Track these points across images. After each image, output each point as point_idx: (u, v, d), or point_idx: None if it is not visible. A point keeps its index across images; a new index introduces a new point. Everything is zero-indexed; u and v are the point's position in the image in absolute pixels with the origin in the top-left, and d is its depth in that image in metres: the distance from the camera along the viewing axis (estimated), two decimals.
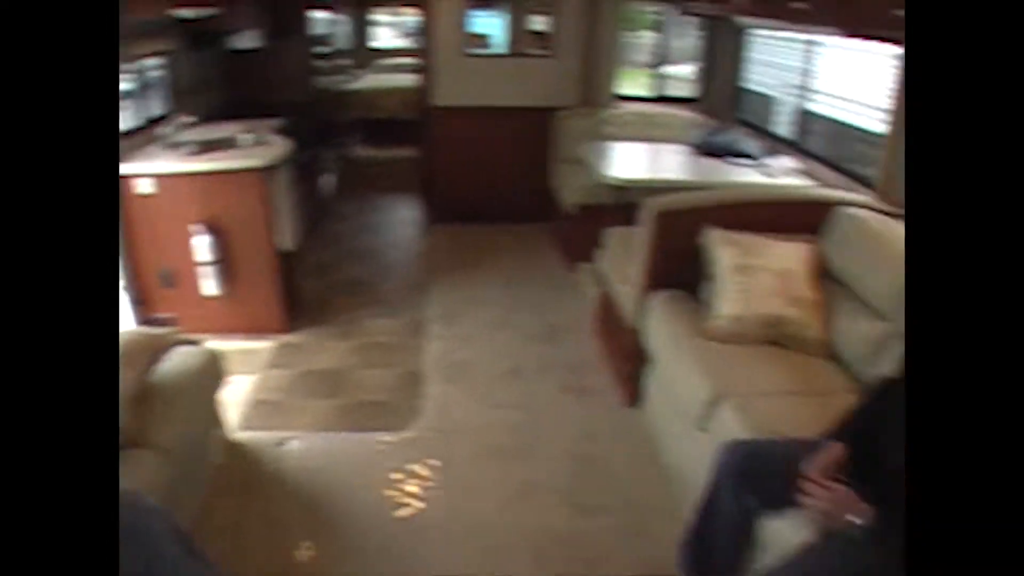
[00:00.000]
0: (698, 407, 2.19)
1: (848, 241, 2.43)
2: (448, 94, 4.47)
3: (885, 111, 2.74)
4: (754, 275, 2.40)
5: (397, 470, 2.45)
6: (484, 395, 2.91)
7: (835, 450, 1.65)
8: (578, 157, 3.60)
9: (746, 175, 3.35)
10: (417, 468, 2.47)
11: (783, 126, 3.77)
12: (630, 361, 2.83)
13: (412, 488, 2.38)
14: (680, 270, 2.59)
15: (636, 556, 2.16)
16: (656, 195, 2.68)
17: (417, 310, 3.63)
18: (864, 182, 2.99)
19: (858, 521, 1.50)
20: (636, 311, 2.71)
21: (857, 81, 3.25)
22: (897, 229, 2.34)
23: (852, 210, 2.53)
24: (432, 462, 2.49)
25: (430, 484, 2.39)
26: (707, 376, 2.21)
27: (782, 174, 3.35)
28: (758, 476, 1.76)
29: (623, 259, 2.93)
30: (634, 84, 4.09)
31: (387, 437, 2.63)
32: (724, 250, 2.44)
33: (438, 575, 2.06)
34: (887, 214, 2.51)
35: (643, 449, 2.64)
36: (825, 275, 2.45)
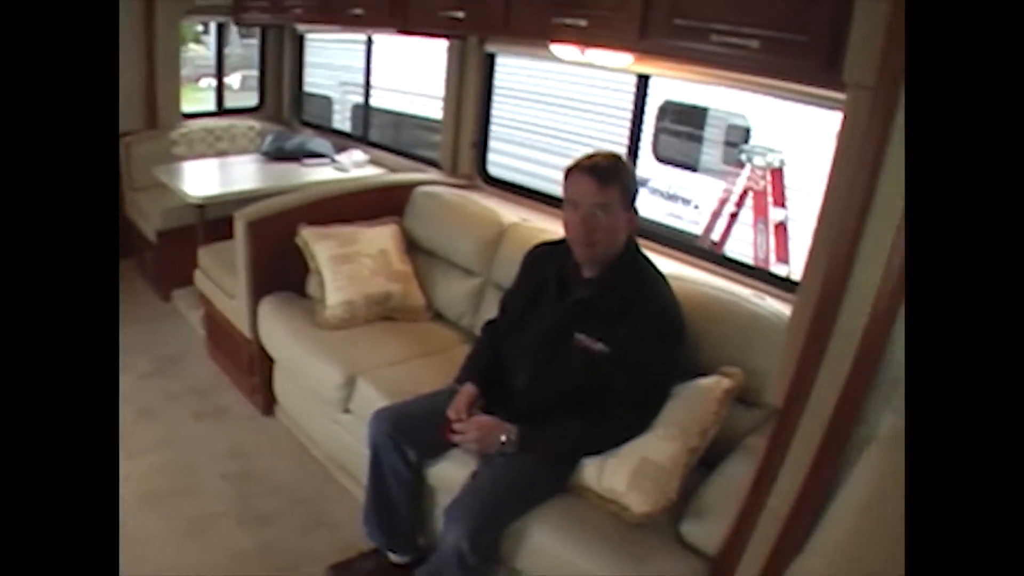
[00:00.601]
0: (335, 392, 2.37)
1: (430, 215, 2.82)
2: None
3: (438, 98, 3.21)
4: (354, 261, 2.65)
5: None
6: (121, 446, 2.64)
7: (467, 390, 1.97)
8: (153, 182, 3.41)
9: (322, 173, 3.58)
10: None
11: (346, 123, 4.09)
12: (254, 371, 2.88)
13: None
14: (283, 272, 2.72)
15: (326, 545, 2.28)
16: (243, 206, 2.75)
17: None
18: (430, 163, 3.48)
19: (505, 438, 1.83)
20: (249, 321, 2.75)
21: (410, 74, 3.70)
22: (470, 197, 2.84)
23: (427, 188, 2.96)
24: None
25: None
26: (335, 362, 2.40)
27: (355, 167, 3.67)
28: (410, 432, 1.97)
29: (224, 274, 2.94)
30: (193, 100, 3.98)
31: None
32: (320, 245, 2.64)
33: None
34: (458, 187, 3.01)
35: (293, 449, 2.74)
36: (415, 248, 2.83)
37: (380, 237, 2.74)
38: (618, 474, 1.80)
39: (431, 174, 3.27)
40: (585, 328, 1.85)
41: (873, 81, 1.21)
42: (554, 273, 1.96)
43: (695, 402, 1.84)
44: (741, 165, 4.46)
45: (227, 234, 3.14)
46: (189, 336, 3.48)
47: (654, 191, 4.96)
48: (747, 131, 4.58)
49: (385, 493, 2.02)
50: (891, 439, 1.20)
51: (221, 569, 2.18)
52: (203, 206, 3.18)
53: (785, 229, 4.62)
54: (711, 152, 4.76)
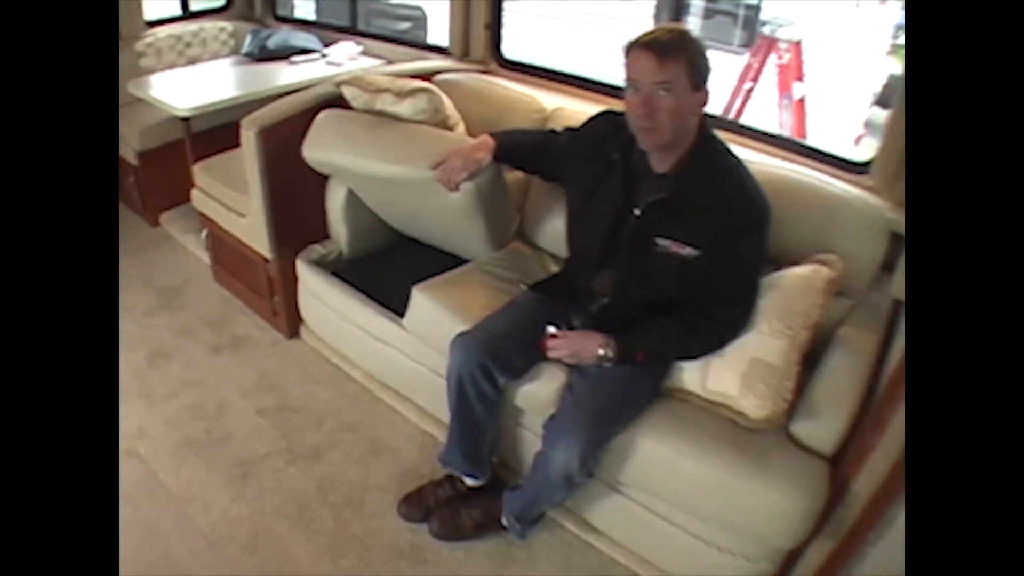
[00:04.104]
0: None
1: (456, 104, 2.43)
2: None
3: None
4: None
5: None
6: (140, 392, 2.44)
7: (488, 141, 1.93)
8: (125, 100, 3.01)
9: (315, 70, 3.19)
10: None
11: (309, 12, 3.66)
12: (275, 291, 2.64)
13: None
14: (302, 183, 2.42)
15: (387, 473, 2.16)
16: (235, 116, 2.41)
17: None
18: (435, 49, 3.13)
19: (603, 351, 1.69)
20: (270, 239, 2.48)
21: None
22: (496, 82, 2.60)
23: (447, 76, 2.65)
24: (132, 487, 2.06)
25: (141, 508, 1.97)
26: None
27: (349, 60, 3.30)
28: (502, 355, 1.79)
29: (229, 191, 2.63)
30: (155, 5, 3.49)
31: None
32: None
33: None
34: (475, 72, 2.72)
35: (328, 372, 2.55)
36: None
37: None
38: (726, 377, 1.68)
39: (440, 61, 2.93)
40: (668, 231, 1.64)
41: None
42: (620, 159, 1.72)
43: (795, 294, 1.68)
44: (750, 41, 4.15)
45: (219, 147, 2.83)
46: (188, 261, 3.19)
47: None
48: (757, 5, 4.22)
49: (472, 421, 1.87)
50: None
51: (284, 512, 2.02)
52: (189, 119, 2.81)
53: (804, 105, 4.37)
54: (724, 26, 4.41)
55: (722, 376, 1.68)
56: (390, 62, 3.29)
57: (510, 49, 2.95)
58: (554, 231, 2.28)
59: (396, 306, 2.20)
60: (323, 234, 2.55)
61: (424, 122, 2.15)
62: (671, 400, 1.78)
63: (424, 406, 2.34)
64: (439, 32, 5.55)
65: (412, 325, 2.11)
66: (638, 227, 1.67)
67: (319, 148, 2.18)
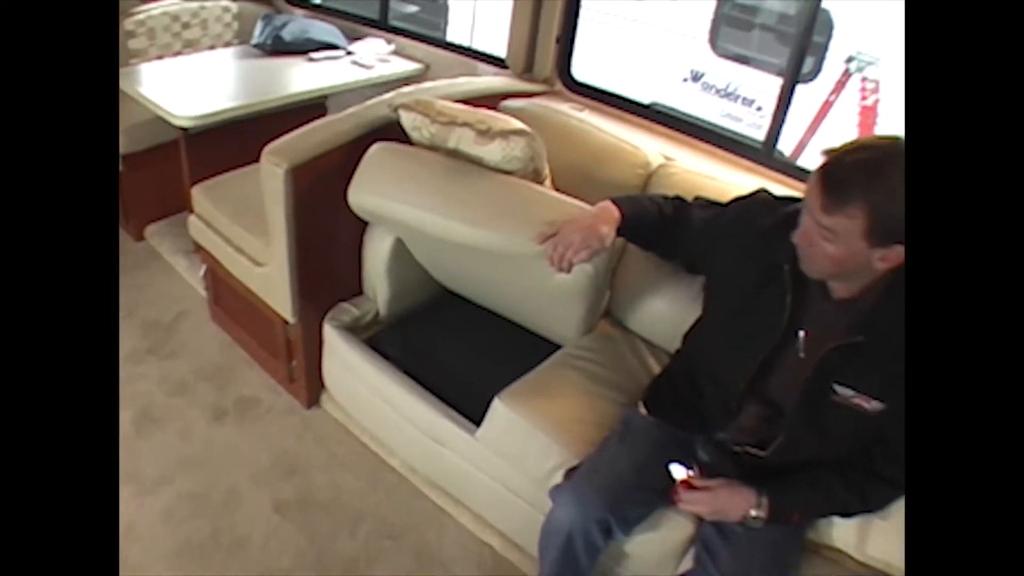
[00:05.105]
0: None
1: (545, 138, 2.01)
2: None
3: None
4: None
5: None
6: (127, 471, 1.94)
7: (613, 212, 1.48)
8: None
9: (340, 72, 2.70)
10: None
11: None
12: (293, 355, 2.18)
13: None
14: (338, 232, 1.98)
15: None
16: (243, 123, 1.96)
17: None
18: (487, 58, 2.69)
19: (755, 512, 1.37)
20: (293, 302, 1.99)
21: None
22: (583, 119, 2.16)
23: (516, 102, 2.25)
24: None
25: None
26: None
27: (378, 61, 2.81)
28: (624, 506, 1.44)
29: (235, 226, 2.12)
30: None
31: None
32: None
33: None
34: (538, 95, 2.35)
35: (359, 455, 2.12)
36: None
37: None
38: (893, 543, 1.38)
39: (497, 78, 2.48)
40: (852, 380, 1.29)
41: None
42: (790, 272, 1.33)
43: None
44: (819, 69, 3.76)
45: (221, 155, 2.34)
46: (179, 289, 2.69)
47: (708, 87, 4.21)
48: (830, 27, 3.81)
49: (573, 574, 1.49)
50: None
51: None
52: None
53: None
54: (783, 48, 4.02)
55: (887, 540, 1.40)
56: (427, 67, 2.83)
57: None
58: (653, 314, 1.90)
59: (458, 401, 1.81)
60: (354, 289, 2.10)
61: (513, 173, 1.71)
62: (817, 558, 1.47)
63: (482, 514, 1.93)
64: (461, 26, 5.12)
65: (489, 440, 1.71)
66: (816, 371, 1.32)
67: (373, 194, 1.73)
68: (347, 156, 1.81)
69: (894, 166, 1.07)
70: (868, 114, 3.70)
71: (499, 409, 1.65)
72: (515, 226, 1.55)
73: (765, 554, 1.38)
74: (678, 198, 1.60)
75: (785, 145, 3.87)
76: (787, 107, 2.12)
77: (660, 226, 1.54)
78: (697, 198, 1.60)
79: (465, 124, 1.72)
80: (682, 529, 1.49)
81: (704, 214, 1.54)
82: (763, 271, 1.37)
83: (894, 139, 1.11)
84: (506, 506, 1.79)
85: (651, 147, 2.05)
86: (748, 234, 1.42)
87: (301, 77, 2.60)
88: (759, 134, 3.98)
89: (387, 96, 2.00)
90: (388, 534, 1.91)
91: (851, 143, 1.15)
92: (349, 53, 2.83)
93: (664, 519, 1.49)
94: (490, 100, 2.21)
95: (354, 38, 2.92)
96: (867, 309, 1.27)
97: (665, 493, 1.45)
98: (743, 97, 4.09)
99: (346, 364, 2.03)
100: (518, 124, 1.72)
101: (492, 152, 1.68)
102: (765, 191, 1.52)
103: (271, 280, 2.02)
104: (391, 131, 1.84)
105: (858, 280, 1.26)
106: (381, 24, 2.99)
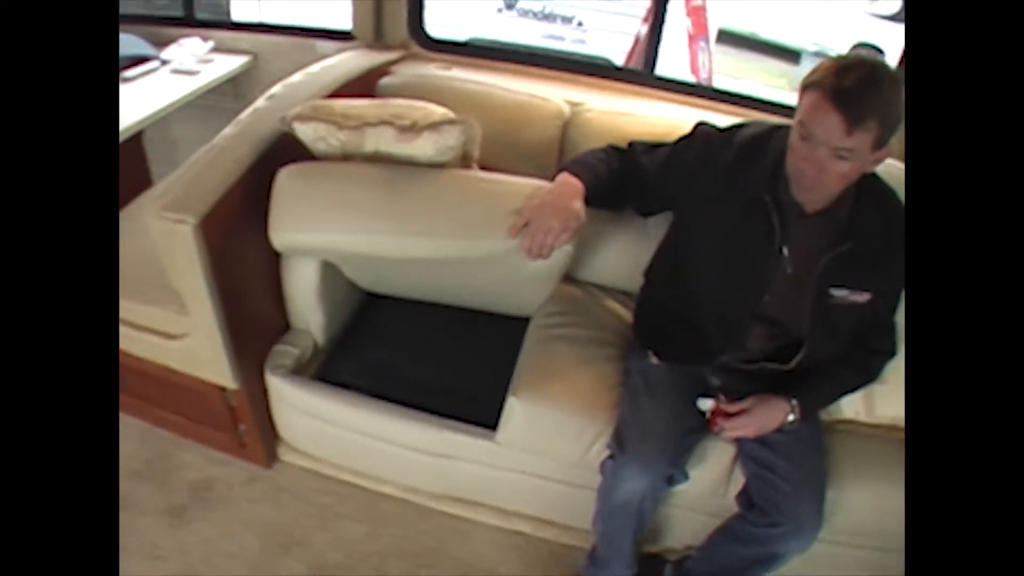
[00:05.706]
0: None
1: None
2: None
3: None
4: None
5: None
6: None
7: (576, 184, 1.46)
8: None
9: (167, 86, 2.28)
10: None
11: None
12: (239, 419, 1.93)
13: None
14: (254, 274, 1.75)
15: None
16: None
17: None
18: (331, 35, 2.45)
19: (791, 418, 1.49)
20: (231, 365, 1.73)
21: None
22: (464, 78, 2.07)
23: (401, 77, 2.09)
24: None
25: None
26: None
27: (200, 63, 2.45)
28: (680, 460, 1.52)
29: (133, 303, 1.81)
30: None
31: None
32: None
33: None
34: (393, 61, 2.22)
35: (349, 496, 1.96)
36: None
37: None
38: (896, 402, 1.58)
39: (345, 53, 2.23)
40: (842, 280, 1.40)
41: None
42: (772, 201, 1.39)
43: None
44: None
45: None
46: None
47: (524, 12, 4.14)
48: None
49: (641, 531, 1.59)
50: None
51: None
52: None
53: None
54: None
55: (890, 402, 1.59)
56: (256, 57, 2.53)
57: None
58: (601, 260, 1.92)
59: (450, 409, 1.73)
60: (280, 326, 1.90)
61: (446, 164, 1.57)
62: (836, 434, 1.64)
63: (504, 507, 1.89)
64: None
65: (513, 440, 1.66)
66: (818, 282, 1.41)
67: (302, 230, 1.55)
68: (248, 188, 1.58)
69: (884, 71, 1.18)
70: (698, 14, 3.82)
71: (517, 407, 1.60)
72: (484, 227, 1.45)
73: (811, 448, 1.53)
74: (614, 147, 1.58)
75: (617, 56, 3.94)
76: (661, 24, 2.13)
77: (616, 184, 1.53)
78: (632, 143, 1.59)
79: (381, 123, 1.55)
80: (726, 453, 1.57)
81: (651, 160, 1.54)
82: (742, 206, 1.42)
83: (868, 50, 1.20)
84: (533, 492, 1.79)
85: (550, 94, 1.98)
86: (715, 175, 1.45)
87: (126, 105, 2.19)
88: (587, 49, 4.02)
89: (256, 105, 1.77)
90: (419, 564, 1.81)
91: (831, 68, 1.20)
92: (165, 63, 2.44)
93: (708, 450, 1.56)
94: (361, 82, 2.02)
95: (162, 44, 2.51)
96: (846, 218, 1.37)
97: (703, 428, 1.52)
98: (561, 16, 4.10)
99: (303, 409, 1.86)
100: (440, 110, 1.58)
101: (422, 147, 1.54)
102: (704, 124, 1.55)
103: (195, 351, 1.75)
104: (288, 148, 1.62)
105: (831, 192, 1.33)
106: (188, 20, 2.58)
